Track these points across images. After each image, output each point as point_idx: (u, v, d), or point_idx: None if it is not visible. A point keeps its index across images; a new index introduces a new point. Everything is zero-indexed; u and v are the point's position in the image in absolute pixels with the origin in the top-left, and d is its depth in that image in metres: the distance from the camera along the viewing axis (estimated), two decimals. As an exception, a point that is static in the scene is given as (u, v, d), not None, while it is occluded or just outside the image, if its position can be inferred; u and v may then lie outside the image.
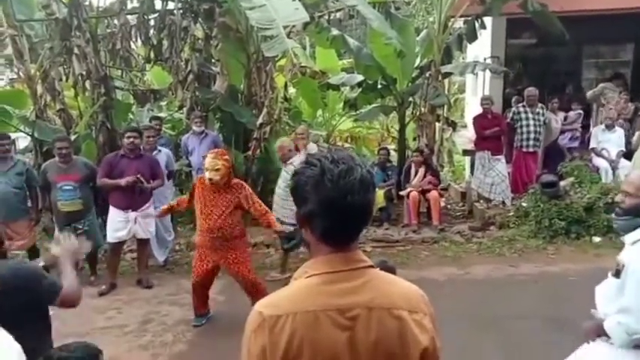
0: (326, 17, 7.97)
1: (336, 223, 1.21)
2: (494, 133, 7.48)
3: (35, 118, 7.02)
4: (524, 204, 7.10)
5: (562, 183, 6.99)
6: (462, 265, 5.93)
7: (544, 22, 7.63)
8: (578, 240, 6.44)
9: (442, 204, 7.39)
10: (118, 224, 5.35)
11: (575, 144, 8.57)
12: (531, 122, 7.65)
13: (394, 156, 8.97)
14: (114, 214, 5.37)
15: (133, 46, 7.78)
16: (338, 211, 1.19)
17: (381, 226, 7.09)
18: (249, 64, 7.60)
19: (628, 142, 7.54)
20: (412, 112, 8.77)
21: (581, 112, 8.69)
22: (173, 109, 9.25)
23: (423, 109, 8.22)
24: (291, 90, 9.90)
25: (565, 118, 8.58)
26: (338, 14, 8.17)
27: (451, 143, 10.38)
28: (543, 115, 7.76)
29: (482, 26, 8.07)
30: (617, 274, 2.29)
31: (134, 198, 5.26)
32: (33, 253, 5.55)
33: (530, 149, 7.75)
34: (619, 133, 7.71)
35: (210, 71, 7.90)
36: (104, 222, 5.62)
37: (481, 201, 7.73)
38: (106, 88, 7.23)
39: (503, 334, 4.19)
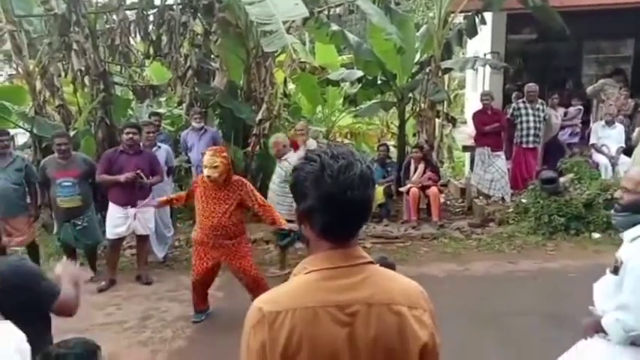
0: (325, 12, 7.94)
1: (335, 218, 1.21)
2: (494, 129, 7.47)
3: (34, 114, 7.01)
4: (523, 200, 7.10)
5: (562, 179, 6.99)
6: (462, 261, 5.93)
7: (544, 18, 7.60)
8: (577, 236, 6.45)
9: (442, 200, 7.39)
10: (118, 220, 5.35)
11: (575, 140, 8.56)
12: (531, 118, 7.64)
13: (394, 152, 8.97)
14: (113, 211, 5.36)
15: (132, 41, 7.78)
16: (338, 207, 1.19)
17: (380, 223, 7.09)
18: (249, 59, 7.58)
19: (628, 139, 7.53)
20: (412, 108, 8.75)
21: (581, 107, 8.67)
22: (172, 104, 9.23)
23: (422, 104, 8.20)
24: (291, 86, 9.89)
25: (565, 114, 8.57)
26: (338, 9, 8.15)
27: (451, 139, 10.36)
28: (543, 111, 7.75)
29: (483, 22, 8.05)
30: (616, 271, 2.29)
31: (133, 194, 5.25)
32: (32, 249, 5.56)
33: (530, 145, 7.75)
34: (619, 129, 7.70)
35: (209, 67, 7.88)
36: (103, 218, 5.62)
37: (481, 197, 7.72)
38: (105, 83, 7.21)
39: (502, 331, 4.20)
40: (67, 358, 1.89)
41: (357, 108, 9.64)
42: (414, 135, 9.13)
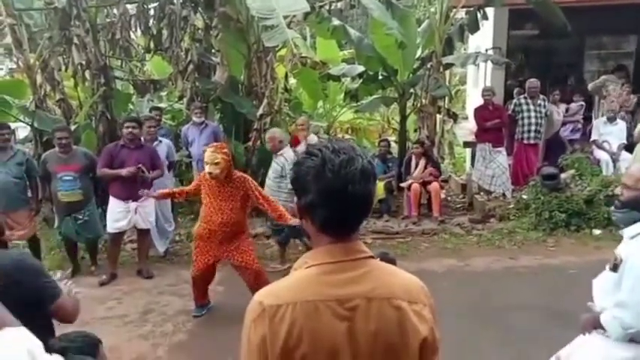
0: (327, 7, 7.91)
1: (336, 213, 1.21)
2: (495, 125, 7.45)
3: (35, 108, 7.00)
4: (524, 196, 7.10)
5: (563, 175, 6.98)
6: (462, 257, 5.94)
7: (546, 13, 7.57)
8: (578, 232, 6.45)
9: (442, 196, 7.39)
10: (118, 214, 5.35)
11: (577, 136, 8.55)
12: (532, 114, 7.63)
13: (395, 148, 8.96)
14: (114, 205, 5.36)
15: (132, 35, 7.75)
16: (339, 201, 1.19)
17: (381, 218, 7.10)
18: (250, 54, 7.56)
19: (629, 135, 7.51)
20: (413, 104, 8.73)
21: (582, 103, 8.66)
22: (173, 99, 9.22)
23: (424, 100, 8.18)
24: (292, 81, 9.86)
25: (567, 110, 8.56)
26: (339, 4, 8.12)
27: (452, 135, 10.35)
28: (545, 107, 7.74)
29: (485, 17, 8.02)
30: (615, 268, 2.29)
31: (134, 188, 5.25)
32: (33, 243, 5.57)
33: (532, 141, 7.74)
34: (620, 126, 7.68)
35: (210, 61, 7.86)
36: (104, 212, 5.62)
37: (481, 193, 7.72)
38: (105, 78, 7.20)
39: (502, 326, 4.20)
40: (68, 352, 1.89)
41: (358, 103, 9.62)
42: (415, 130, 9.12)
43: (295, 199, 1.31)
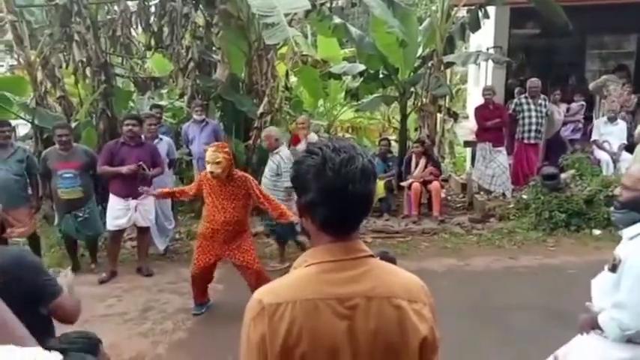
0: (328, 5, 7.90)
1: (336, 212, 1.21)
2: (495, 125, 7.45)
3: (35, 105, 6.99)
4: (524, 196, 7.09)
5: (563, 175, 6.98)
6: (462, 256, 5.94)
7: (548, 12, 7.56)
8: (578, 232, 6.45)
9: (442, 195, 7.39)
10: (118, 212, 5.35)
11: (578, 136, 8.55)
12: (533, 114, 7.62)
13: (395, 147, 8.95)
14: (114, 202, 5.36)
15: (133, 33, 7.74)
16: (339, 200, 1.19)
17: (381, 217, 7.10)
18: (251, 52, 7.55)
19: (630, 135, 7.51)
20: (414, 103, 8.73)
21: (583, 103, 8.65)
22: (174, 97, 9.22)
23: (424, 99, 8.18)
24: (293, 79, 9.86)
25: (567, 110, 8.55)
26: (340, 2, 8.11)
27: (452, 134, 10.34)
28: (545, 106, 7.73)
29: (486, 16, 8.01)
30: (614, 268, 2.29)
31: (135, 186, 5.24)
32: (33, 240, 5.57)
33: (532, 141, 7.73)
34: (621, 126, 7.68)
35: (211, 59, 7.86)
36: (104, 210, 5.62)
37: (481, 193, 7.72)
38: (106, 75, 7.20)
39: (502, 326, 4.20)
40: (67, 352, 1.88)
41: (359, 102, 9.62)
42: (416, 130, 9.11)
43: (291, 197, 1.31)
